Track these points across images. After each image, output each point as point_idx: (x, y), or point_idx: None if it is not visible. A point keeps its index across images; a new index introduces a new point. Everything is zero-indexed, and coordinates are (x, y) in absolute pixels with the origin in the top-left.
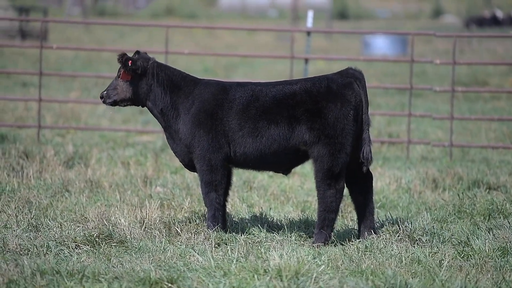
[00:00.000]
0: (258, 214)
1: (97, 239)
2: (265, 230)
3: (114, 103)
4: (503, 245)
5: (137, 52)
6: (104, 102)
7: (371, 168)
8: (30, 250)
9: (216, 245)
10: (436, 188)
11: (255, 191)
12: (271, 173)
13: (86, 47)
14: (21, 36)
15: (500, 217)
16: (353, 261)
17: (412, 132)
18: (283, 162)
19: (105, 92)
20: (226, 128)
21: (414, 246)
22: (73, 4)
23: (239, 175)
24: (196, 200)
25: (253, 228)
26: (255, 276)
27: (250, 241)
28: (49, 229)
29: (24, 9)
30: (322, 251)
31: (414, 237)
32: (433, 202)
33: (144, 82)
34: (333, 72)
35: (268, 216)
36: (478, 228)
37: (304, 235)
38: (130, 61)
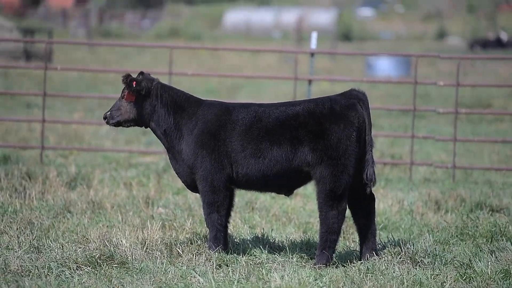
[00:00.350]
0: (259, 235)
1: (98, 260)
2: (266, 251)
3: (118, 124)
4: (506, 268)
5: (141, 73)
6: (107, 122)
7: (373, 189)
8: (31, 272)
9: (218, 266)
10: (438, 210)
11: (257, 212)
12: (273, 194)
13: (90, 68)
14: (25, 58)
15: (502, 240)
16: (354, 283)
17: (415, 153)
18: (285, 183)
19: (109, 112)
20: (229, 149)
21: (416, 268)
22: (78, 26)
23: (241, 196)
24: (198, 221)
25: (255, 249)
26: None
27: (251, 262)
28: (50, 250)
29: (29, 31)
30: (323, 273)
31: (416, 259)
32: (436, 224)
33: (148, 103)
34: (337, 94)
35: (269, 237)
36: (480, 250)
37: (306, 257)
38: (135, 82)
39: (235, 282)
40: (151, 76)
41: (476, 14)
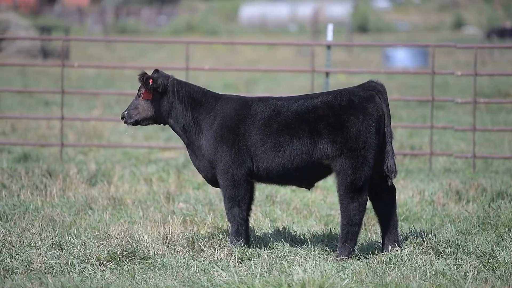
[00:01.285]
0: (281, 229)
1: (120, 256)
2: (288, 245)
3: (136, 123)
4: None
5: (156, 71)
6: (125, 122)
7: (394, 180)
8: (54, 268)
9: (240, 260)
10: (459, 200)
11: (277, 205)
12: (293, 187)
13: (107, 65)
14: (43, 55)
15: None
16: (377, 275)
17: (435, 144)
18: (306, 177)
19: (126, 112)
20: (249, 143)
21: (438, 259)
22: (95, 23)
23: (261, 190)
24: (219, 216)
25: (276, 243)
26: None
27: (273, 256)
28: (73, 247)
29: (45, 28)
30: (346, 265)
31: (439, 250)
32: (457, 214)
33: (165, 100)
34: (355, 85)
35: (291, 230)
36: (502, 239)
37: (328, 249)
38: (151, 80)
39: (258, 275)
40: (166, 73)
41: (492, 3)
